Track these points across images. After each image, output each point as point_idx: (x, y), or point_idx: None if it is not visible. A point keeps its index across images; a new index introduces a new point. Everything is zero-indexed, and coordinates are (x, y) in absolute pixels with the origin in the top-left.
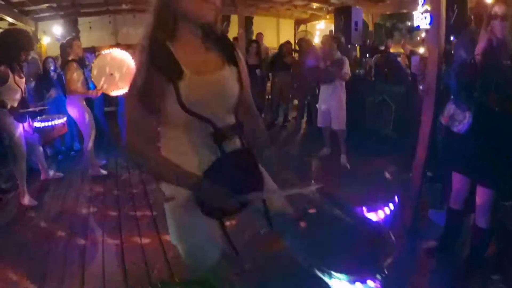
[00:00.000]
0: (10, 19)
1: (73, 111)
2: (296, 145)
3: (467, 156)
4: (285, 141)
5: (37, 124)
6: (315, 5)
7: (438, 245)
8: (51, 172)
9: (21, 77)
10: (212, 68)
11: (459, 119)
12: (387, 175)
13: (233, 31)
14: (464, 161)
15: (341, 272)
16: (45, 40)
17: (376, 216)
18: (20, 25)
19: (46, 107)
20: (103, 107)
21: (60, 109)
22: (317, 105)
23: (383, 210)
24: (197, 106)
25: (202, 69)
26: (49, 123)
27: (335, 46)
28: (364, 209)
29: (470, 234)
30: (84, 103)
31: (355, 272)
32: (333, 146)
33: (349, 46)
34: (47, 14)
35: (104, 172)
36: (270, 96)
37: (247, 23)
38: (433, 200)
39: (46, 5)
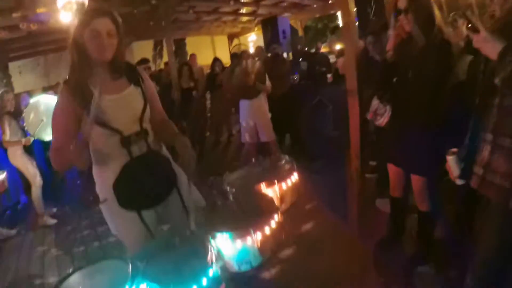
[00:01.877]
0: None
1: (15, 162)
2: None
3: (393, 148)
4: (232, 157)
5: None
6: (244, 18)
7: (387, 232)
8: (4, 231)
9: None
10: (119, 89)
11: (380, 113)
12: None
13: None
14: (392, 152)
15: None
16: None
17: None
18: None
19: None
20: (44, 153)
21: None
22: (241, 121)
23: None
24: (106, 118)
25: (110, 90)
26: None
27: (263, 57)
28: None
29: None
30: (23, 151)
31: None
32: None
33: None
34: None
35: (53, 221)
36: (210, 114)
37: (180, 45)
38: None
39: None
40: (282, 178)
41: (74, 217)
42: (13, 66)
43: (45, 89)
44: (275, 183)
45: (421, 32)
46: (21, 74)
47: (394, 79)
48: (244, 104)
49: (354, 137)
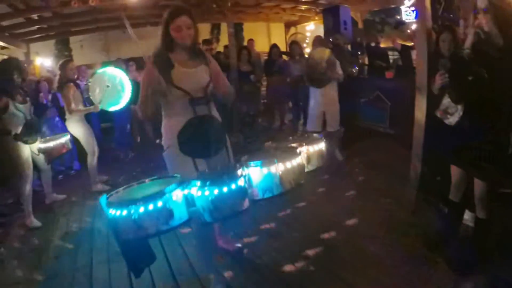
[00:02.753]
0: (2, 43)
1: (74, 130)
2: None
3: (460, 149)
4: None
5: (41, 145)
6: (303, 7)
7: (439, 237)
8: (53, 195)
9: (23, 102)
10: (191, 65)
11: (451, 112)
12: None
13: (224, 38)
14: (459, 154)
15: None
16: (38, 61)
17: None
18: (11, 48)
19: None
20: (99, 123)
21: (55, 130)
22: (309, 109)
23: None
24: (181, 84)
25: (186, 65)
26: (53, 143)
27: (326, 47)
28: None
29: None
30: (85, 120)
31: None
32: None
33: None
34: (38, 35)
35: (106, 187)
36: (265, 100)
37: (237, 30)
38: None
39: (37, 26)
40: (310, 143)
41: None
42: (74, 40)
43: (104, 64)
44: (303, 145)
45: (499, 32)
46: (82, 48)
47: (469, 78)
48: (314, 92)
49: (417, 134)
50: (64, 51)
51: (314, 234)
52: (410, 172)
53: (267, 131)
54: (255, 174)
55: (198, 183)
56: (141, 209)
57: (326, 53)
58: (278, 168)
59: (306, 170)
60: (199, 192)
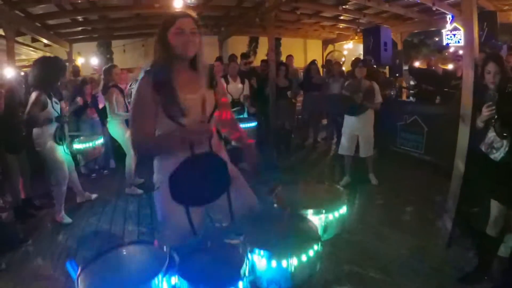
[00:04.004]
0: (45, 41)
1: (115, 132)
2: (319, 170)
3: (504, 185)
4: (311, 164)
5: (77, 146)
6: (342, 25)
7: (474, 271)
8: (86, 194)
9: (58, 102)
10: (195, 89)
11: (497, 146)
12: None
13: (261, 53)
14: (502, 189)
15: None
16: (80, 61)
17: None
18: (55, 46)
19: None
20: None
21: (94, 130)
22: (343, 131)
23: None
24: (177, 114)
25: (188, 90)
26: (88, 144)
27: (364, 72)
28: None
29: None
30: (125, 123)
31: None
32: (358, 169)
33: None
34: (81, 36)
35: (140, 191)
36: (300, 117)
37: (275, 45)
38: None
39: (81, 28)
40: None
41: None
42: (117, 44)
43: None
44: (322, 213)
45: None
46: (124, 52)
47: None
48: (349, 117)
49: (458, 165)
50: (106, 54)
51: (345, 263)
52: (447, 203)
53: (300, 150)
54: (261, 264)
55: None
56: None
57: (365, 82)
58: (291, 261)
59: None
60: None
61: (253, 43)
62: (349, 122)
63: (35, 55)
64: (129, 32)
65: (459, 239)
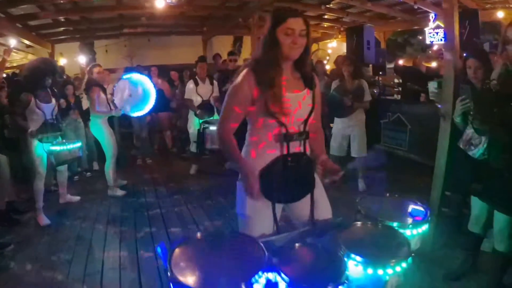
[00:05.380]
0: (28, 42)
1: (97, 132)
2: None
3: (483, 182)
4: None
5: (52, 147)
6: (326, 24)
7: (458, 268)
8: (68, 197)
9: (47, 102)
10: (296, 88)
11: (475, 143)
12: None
13: (245, 52)
14: (482, 186)
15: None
16: (62, 62)
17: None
18: (37, 47)
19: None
20: (120, 128)
21: (77, 132)
22: (332, 131)
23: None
24: (277, 111)
25: (289, 87)
26: (62, 147)
27: (351, 69)
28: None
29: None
30: (107, 123)
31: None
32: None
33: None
34: (63, 36)
35: (122, 192)
36: None
37: None
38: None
39: (63, 28)
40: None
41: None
42: (99, 44)
43: (127, 70)
44: (409, 225)
45: None
46: (107, 52)
47: (495, 110)
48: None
49: (440, 162)
50: (88, 54)
51: None
52: (430, 202)
53: None
54: (356, 270)
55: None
56: None
57: (354, 82)
58: (387, 271)
59: None
60: None
61: (238, 42)
62: (340, 122)
63: (17, 56)
64: (112, 32)
65: (444, 236)
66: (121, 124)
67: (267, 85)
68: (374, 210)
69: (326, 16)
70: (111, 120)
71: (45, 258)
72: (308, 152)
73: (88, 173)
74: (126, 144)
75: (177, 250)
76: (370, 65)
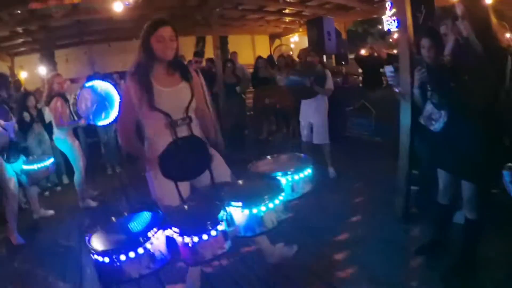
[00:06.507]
0: None
1: (62, 145)
2: None
3: (447, 154)
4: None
5: (24, 167)
6: (287, 19)
7: (430, 241)
8: (41, 211)
9: (8, 119)
10: (171, 83)
11: (435, 118)
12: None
13: (209, 51)
14: (445, 158)
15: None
16: (23, 75)
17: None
18: None
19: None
20: (86, 138)
21: (42, 147)
22: (299, 119)
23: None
24: (160, 105)
25: (166, 84)
26: (36, 166)
27: (317, 59)
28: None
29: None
30: (72, 135)
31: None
32: (318, 158)
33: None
34: (23, 48)
35: (94, 203)
36: (252, 112)
37: (222, 43)
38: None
39: (22, 40)
40: (294, 169)
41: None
42: (59, 54)
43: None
44: (288, 174)
45: (478, 38)
46: (68, 62)
47: (451, 84)
48: (303, 102)
49: (404, 141)
50: (49, 65)
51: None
52: (397, 180)
53: (255, 144)
54: (237, 214)
55: (177, 229)
56: (123, 257)
57: (318, 67)
58: (261, 208)
59: (290, 198)
60: (179, 237)
61: (200, 43)
62: (304, 109)
63: None
64: (71, 40)
65: (414, 213)
66: (87, 134)
67: (148, 84)
68: (264, 168)
69: (286, 11)
70: (75, 131)
71: (20, 277)
72: (195, 133)
73: (59, 188)
74: (93, 153)
75: (96, 234)
76: (333, 56)
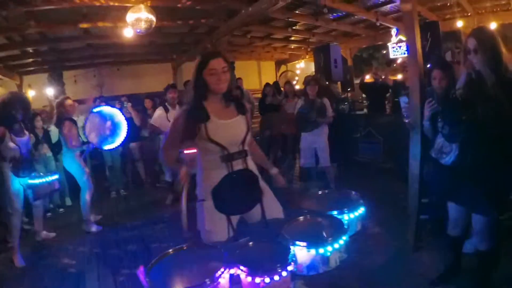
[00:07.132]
0: None
1: (70, 166)
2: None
3: (458, 187)
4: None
5: (31, 181)
6: (293, 45)
7: (443, 273)
8: (44, 233)
9: (22, 136)
10: (227, 116)
11: (446, 151)
12: None
13: None
14: (457, 192)
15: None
16: (30, 94)
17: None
18: (5, 79)
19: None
20: (91, 161)
21: (47, 165)
22: (300, 146)
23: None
24: (217, 137)
25: (222, 116)
26: (41, 180)
27: (316, 88)
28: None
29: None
30: (80, 157)
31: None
32: (321, 183)
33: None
34: (32, 68)
35: (98, 227)
36: (258, 138)
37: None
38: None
39: (31, 59)
40: (351, 209)
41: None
42: (68, 75)
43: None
44: (345, 212)
45: (490, 70)
46: (76, 83)
47: (463, 117)
48: (306, 133)
49: (414, 171)
50: (57, 85)
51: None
52: (408, 209)
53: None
54: (301, 254)
55: (245, 268)
56: None
57: (317, 101)
58: (325, 250)
59: None
60: (248, 277)
61: None
62: (306, 138)
63: None
64: (80, 62)
65: (425, 242)
66: (92, 156)
67: (204, 119)
68: (315, 205)
69: (292, 38)
70: (81, 153)
71: None
72: (250, 167)
73: (61, 209)
74: (98, 176)
75: (153, 268)
76: (339, 82)
